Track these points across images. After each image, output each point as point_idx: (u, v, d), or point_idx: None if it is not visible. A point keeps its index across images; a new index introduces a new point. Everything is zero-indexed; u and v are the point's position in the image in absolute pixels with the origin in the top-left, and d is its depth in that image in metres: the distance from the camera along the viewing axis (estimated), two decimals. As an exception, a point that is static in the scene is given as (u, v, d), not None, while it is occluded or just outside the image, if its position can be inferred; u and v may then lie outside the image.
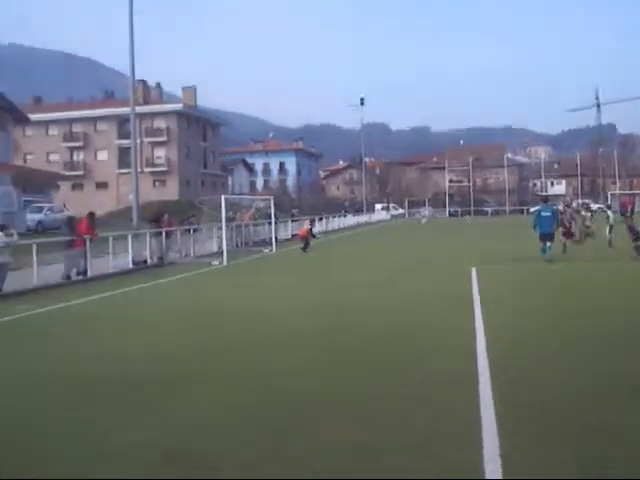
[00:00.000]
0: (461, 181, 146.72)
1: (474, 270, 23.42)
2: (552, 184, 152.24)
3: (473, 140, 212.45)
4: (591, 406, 7.80)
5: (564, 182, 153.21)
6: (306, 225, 40.08)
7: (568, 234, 30.45)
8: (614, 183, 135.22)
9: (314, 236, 38.71)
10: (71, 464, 6.50)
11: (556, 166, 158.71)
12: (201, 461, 6.42)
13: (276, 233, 44.23)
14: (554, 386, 8.67)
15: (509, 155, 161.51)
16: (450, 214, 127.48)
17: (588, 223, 33.15)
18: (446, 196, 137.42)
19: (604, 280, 21.10)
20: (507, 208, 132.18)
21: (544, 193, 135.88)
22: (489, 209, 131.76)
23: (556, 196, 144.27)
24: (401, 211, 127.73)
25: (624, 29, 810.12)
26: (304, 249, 37.29)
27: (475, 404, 7.89)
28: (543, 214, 27.66)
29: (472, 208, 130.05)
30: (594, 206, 42.01)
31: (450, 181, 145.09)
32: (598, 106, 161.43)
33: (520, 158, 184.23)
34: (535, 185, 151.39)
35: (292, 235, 50.25)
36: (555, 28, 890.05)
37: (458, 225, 79.38)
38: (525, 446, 6.53)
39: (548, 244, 26.89)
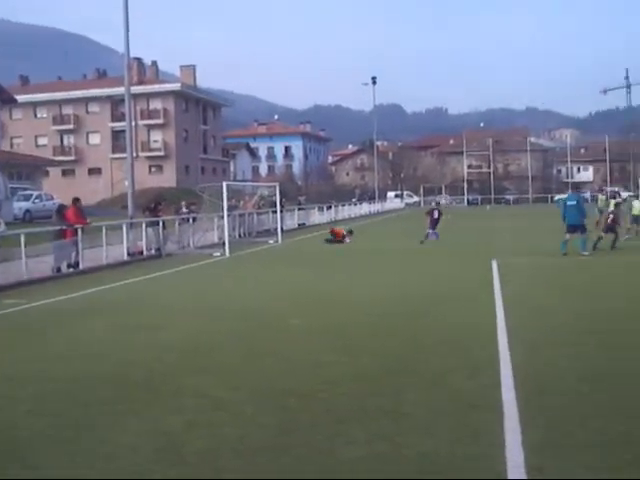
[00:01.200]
0: (480, 167, 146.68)
1: (495, 263, 23.52)
2: (579, 170, 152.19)
3: (494, 123, 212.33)
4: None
5: (591, 168, 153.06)
6: (341, 229, 40.03)
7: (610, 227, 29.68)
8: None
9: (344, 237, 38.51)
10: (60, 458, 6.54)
11: (583, 151, 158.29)
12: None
13: (282, 223, 44.18)
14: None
15: (532, 139, 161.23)
16: (469, 202, 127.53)
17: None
18: (464, 183, 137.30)
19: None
20: (530, 196, 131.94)
21: (569, 180, 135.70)
22: (510, 197, 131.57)
23: (584, 183, 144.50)
24: (416, 199, 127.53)
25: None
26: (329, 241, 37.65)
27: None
28: (569, 203, 26.94)
29: (492, 196, 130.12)
30: (624, 194, 41.48)
31: (469, 167, 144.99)
32: (629, 87, 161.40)
33: (544, 142, 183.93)
34: (560, 172, 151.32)
35: (298, 224, 50.28)
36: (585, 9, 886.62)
37: (478, 214, 79.23)
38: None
39: (576, 236, 26.22)
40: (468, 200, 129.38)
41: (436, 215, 37.81)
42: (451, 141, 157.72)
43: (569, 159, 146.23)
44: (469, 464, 6.36)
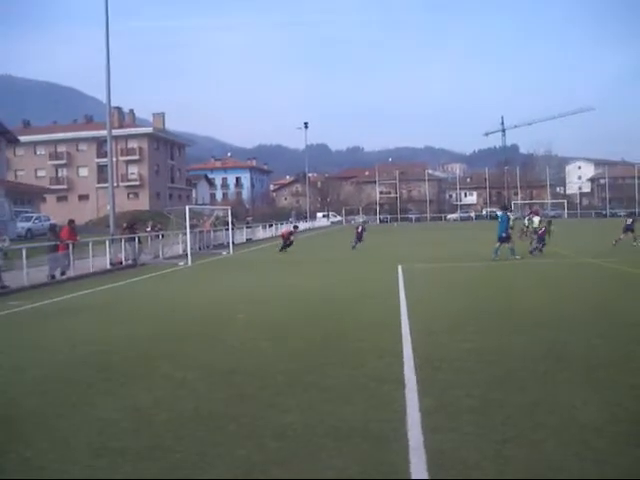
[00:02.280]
0: (389, 192, 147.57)
1: (400, 268, 23.74)
2: (465, 195, 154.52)
3: (400, 158, 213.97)
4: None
5: (475, 194, 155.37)
6: (287, 228, 39.99)
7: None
8: (516, 194, 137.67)
9: (290, 241, 38.36)
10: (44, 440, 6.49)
11: (469, 180, 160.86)
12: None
13: (233, 238, 44.11)
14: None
15: (430, 171, 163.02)
16: (380, 221, 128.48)
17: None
18: (377, 205, 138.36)
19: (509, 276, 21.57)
20: (428, 215, 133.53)
21: (458, 203, 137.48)
22: (413, 216, 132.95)
23: (469, 205, 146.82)
24: (339, 218, 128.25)
25: (526, 65, 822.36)
26: (282, 249, 37.27)
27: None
28: (499, 219, 27.96)
29: (399, 215, 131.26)
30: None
31: (380, 193, 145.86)
32: (503, 131, 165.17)
33: (439, 173, 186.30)
34: (451, 196, 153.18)
35: (246, 239, 50.12)
36: (469, 68, 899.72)
37: (388, 230, 79.86)
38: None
39: (500, 245, 26.98)
40: (380, 219, 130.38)
41: (360, 230, 39.52)
42: (366, 173, 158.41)
43: (458, 186, 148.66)
44: (378, 425, 6.43)
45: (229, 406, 7.31)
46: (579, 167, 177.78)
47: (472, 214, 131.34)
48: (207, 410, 7.18)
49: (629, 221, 34.90)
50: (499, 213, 29.49)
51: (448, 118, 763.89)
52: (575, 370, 8.47)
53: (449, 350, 9.77)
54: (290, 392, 7.76)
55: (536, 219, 34.30)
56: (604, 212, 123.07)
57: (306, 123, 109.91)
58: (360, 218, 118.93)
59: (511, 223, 28.09)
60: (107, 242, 29.46)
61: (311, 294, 17.61)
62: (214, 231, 46.44)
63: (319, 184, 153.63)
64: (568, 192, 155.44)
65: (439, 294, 16.83)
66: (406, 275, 21.50)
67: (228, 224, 43.52)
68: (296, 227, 42.29)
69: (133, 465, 5.68)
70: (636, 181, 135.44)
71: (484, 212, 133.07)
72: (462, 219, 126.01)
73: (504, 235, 26.99)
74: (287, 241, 37.92)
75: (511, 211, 33.56)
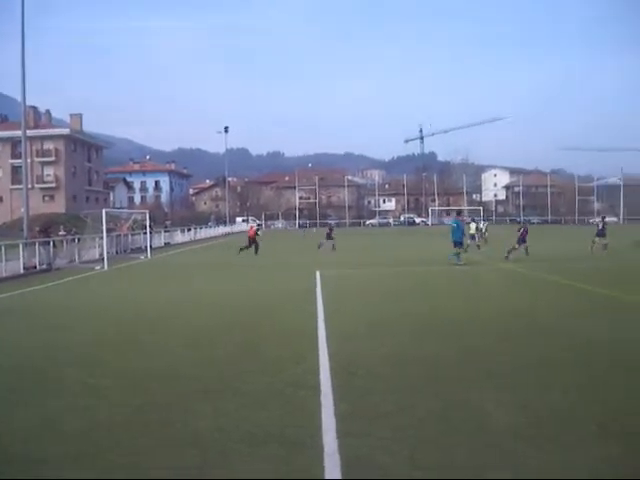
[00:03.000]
0: (309, 198, 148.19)
1: (318, 274, 23.86)
2: (384, 201, 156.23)
3: (320, 164, 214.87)
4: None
5: (394, 200, 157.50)
6: (253, 226, 39.69)
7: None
8: (433, 201, 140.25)
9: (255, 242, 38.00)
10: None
11: (387, 187, 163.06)
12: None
13: (151, 242, 43.60)
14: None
15: (349, 177, 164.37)
16: (300, 226, 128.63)
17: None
18: (297, 211, 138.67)
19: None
20: (347, 221, 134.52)
21: (377, 209, 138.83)
22: (332, 222, 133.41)
23: (387, 211, 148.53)
24: (259, 223, 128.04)
25: (441, 72, 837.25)
26: (248, 249, 37.16)
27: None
28: (453, 225, 28.23)
29: (318, 221, 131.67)
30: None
31: (300, 198, 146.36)
32: (422, 138, 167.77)
33: (358, 180, 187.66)
34: (370, 202, 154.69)
35: (164, 243, 49.50)
36: (380, 79, 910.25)
37: (306, 235, 79.87)
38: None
39: (456, 250, 27.39)
40: (299, 224, 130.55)
41: (329, 231, 42.75)
42: (286, 178, 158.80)
43: (377, 193, 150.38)
44: (294, 431, 6.45)
45: (144, 413, 7.22)
46: (495, 175, 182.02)
47: (390, 220, 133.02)
48: (121, 418, 7.08)
49: (600, 225, 36.23)
50: (452, 220, 30.11)
51: (368, 125, 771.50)
52: (488, 374, 8.66)
53: (365, 356, 9.83)
54: (206, 398, 7.71)
55: (473, 225, 35.35)
56: (518, 219, 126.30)
57: (226, 127, 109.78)
58: (280, 224, 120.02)
59: (473, 230, 28.97)
60: (20, 246, 28.69)
61: (229, 300, 17.48)
62: (132, 235, 45.81)
63: (239, 188, 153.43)
64: (484, 199, 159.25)
65: (357, 300, 16.88)
66: (324, 281, 21.53)
67: (146, 228, 43.01)
68: (258, 227, 41.86)
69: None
70: (548, 189, 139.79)
71: (402, 218, 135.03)
72: (381, 225, 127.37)
73: (460, 241, 27.56)
74: (252, 241, 37.73)
75: (463, 218, 34.30)
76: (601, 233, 35.30)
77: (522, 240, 30.84)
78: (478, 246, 35.41)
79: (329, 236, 42.25)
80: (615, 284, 19.38)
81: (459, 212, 32.49)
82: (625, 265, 27.00)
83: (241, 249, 37.10)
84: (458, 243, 27.49)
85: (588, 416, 6.86)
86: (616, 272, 24.09)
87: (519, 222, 33.48)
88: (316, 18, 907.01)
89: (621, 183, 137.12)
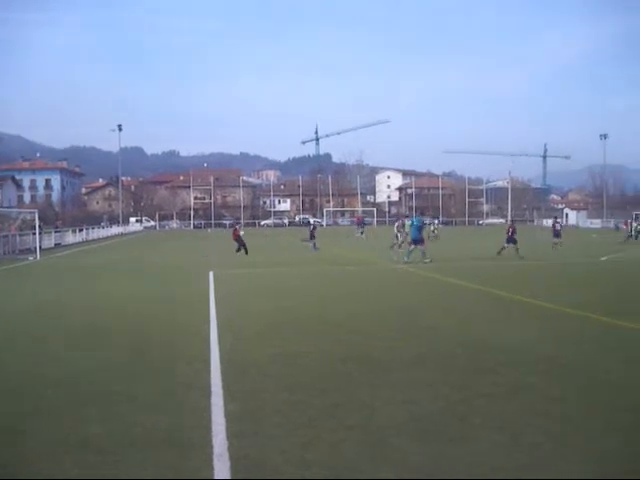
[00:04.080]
0: (204, 198, 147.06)
1: (212, 274, 23.71)
2: (279, 202, 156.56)
3: (215, 164, 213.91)
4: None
5: (289, 200, 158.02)
6: (237, 228, 38.21)
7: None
8: (328, 202, 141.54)
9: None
10: None
11: (283, 187, 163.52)
12: None
13: (40, 243, 42.30)
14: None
15: (244, 177, 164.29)
16: (195, 226, 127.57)
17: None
18: (191, 211, 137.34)
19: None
20: (242, 221, 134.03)
21: (272, 209, 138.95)
22: (227, 222, 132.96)
23: (282, 212, 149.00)
24: (153, 223, 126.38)
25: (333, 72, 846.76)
26: (243, 251, 35.52)
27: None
28: (414, 224, 28.99)
29: (213, 221, 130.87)
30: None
31: (195, 198, 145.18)
32: (317, 140, 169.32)
33: (253, 180, 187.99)
34: (265, 203, 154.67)
35: (55, 244, 48.13)
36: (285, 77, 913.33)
37: (201, 236, 79.33)
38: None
39: (413, 247, 28.25)
40: (194, 224, 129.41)
41: (312, 229, 42.13)
42: (181, 178, 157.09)
43: (272, 193, 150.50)
44: (184, 433, 6.41)
45: (33, 419, 7.02)
46: (388, 177, 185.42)
47: (286, 220, 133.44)
48: (6, 424, 6.88)
49: (557, 227, 39.04)
50: (407, 220, 30.57)
51: (264, 126, 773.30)
52: (376, 371, 8.84)
53: (256, 355, 9.87)
54: (96, 402, 7.56)
55: (408, 222, 36.19)
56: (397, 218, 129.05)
57: (120, 125, 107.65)
58: (174, 224, 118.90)
59: (432, 228, 29.55)
60: None
61: (121, 301, 17.17)
62: (20, 235, 44.33)
63: (133, 188, 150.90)
64: (378, 200, 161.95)
65: (251, 300, 16.87)
66: (218, 282, 21.45)
67: (35, 228, 41.76)
68: (238, 223, 40.29)
69: None
70: (440, 191, 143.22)
71: (297, 219, 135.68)
72: (276, 225, 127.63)
73: (418, 238, 28.22)
74: (240, 242, 36.29)
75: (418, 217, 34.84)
76: (557, 234, 38.89)
77: (511, 240, 31.50)
78: (399, 245, 35.83)
79: (312, 235, 41.65)
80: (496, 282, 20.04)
81: (421, 212, 33.54)
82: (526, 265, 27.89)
83: (237, 250, 35.71)
84: (418, 241, 28.26)
85: (472, 411, 7.10)
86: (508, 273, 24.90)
87: (511, 222, 34.57)
88: (213, 17, 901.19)
89: (509, 186, 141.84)
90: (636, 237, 47.25)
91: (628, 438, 6.21)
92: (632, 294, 17.89)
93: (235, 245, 36.31)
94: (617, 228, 73.30)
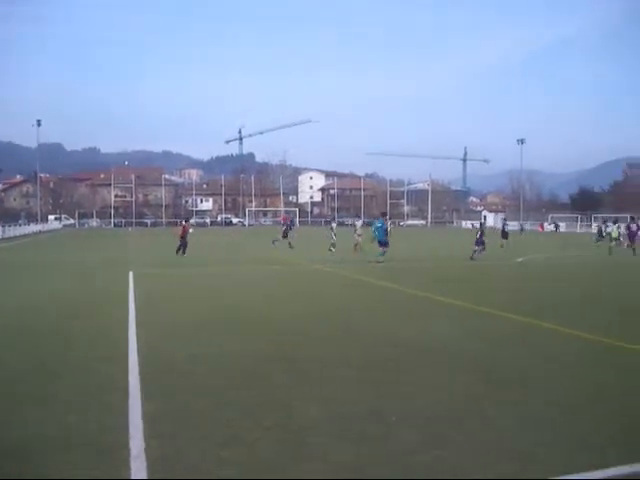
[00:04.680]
0: (125, 196, 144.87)
1: (131, 273, 23.44)
2: (202, 201, 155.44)
3: (137, 161, 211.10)
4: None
5: (211, 200, 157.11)
6: (186, 225, 35.59)
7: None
8: (251, 201, 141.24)
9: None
10: None
11: (205, 186, 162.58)
12: None
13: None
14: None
15: (166, 176, 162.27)
16: (115, 225, 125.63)
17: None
18: (112, 209, 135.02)
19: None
20: (164, 220, 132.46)
21: (194, 208, 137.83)
22: (149, 221, 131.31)
23: (204, 211, 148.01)
24: (72, 221, 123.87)
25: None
26: (182, 251, 33.17)
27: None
28: (378, 226, 29.32)
29: (134, 220, 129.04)
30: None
31: (116, 196, 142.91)
32: (241, 139, 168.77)
33: (176, 179, 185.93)
34: (187, 202, 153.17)
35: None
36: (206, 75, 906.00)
37: (122, 234, 78.06)
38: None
39: (382, 249, 28.70)
40: (114, 223, 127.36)
41: (286, 228, 43.19)
42: (102, 175, 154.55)
43: (194, 192, 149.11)
44: (101, 435, 6.33)
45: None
46: (311, 177, 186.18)
47: (207, 220, 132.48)
48: None
49: (506, 228, 42.79)
50: (377, 221, 30.55)
51: (187, 124, 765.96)
52: (297, 370, 8.93)
53: (176, 356, 9.82)
54: (12, 406, 7.43)
55: (358, 223, 36.67)
56: (327, 219, 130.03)
57: (39, 120, 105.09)
58: (94, 222, 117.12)
59: (389, 229, 29.79)
60: None
61: (35, 301, 16.77)
62: None
63: (52, 185, 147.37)
64: (300, 201, 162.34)
65: (172, 300, 16.78)
66: (137, 281, 21.11)
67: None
68: (187, 220, 38.25)
69: None
70: (362, 192, 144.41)
71: (219, 218, 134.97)
72: (198, 224, 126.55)
73: (384, 240, 28.76)
74: (184, 241, 33.77)
75: (387, 219, 35.02)
76: (505, 235, 42.16)
77: (480, 242, 31.79)
78: (355, 245, 36.01)
79: (285, 235, 42.30)
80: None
81: (384, 214, 33.85)
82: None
83: (178, 250, 33.44)
84: (383, 243, 28.78)
85: (391, 410, 7.21)
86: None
87: (479, 225, 35.08)
88: (138, 12, 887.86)
89: (429, 188, 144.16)
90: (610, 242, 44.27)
91: (543, 436, 6.44)
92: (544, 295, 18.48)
93: (177, 244, 34.19)
94: (522, 230, 77.66)
